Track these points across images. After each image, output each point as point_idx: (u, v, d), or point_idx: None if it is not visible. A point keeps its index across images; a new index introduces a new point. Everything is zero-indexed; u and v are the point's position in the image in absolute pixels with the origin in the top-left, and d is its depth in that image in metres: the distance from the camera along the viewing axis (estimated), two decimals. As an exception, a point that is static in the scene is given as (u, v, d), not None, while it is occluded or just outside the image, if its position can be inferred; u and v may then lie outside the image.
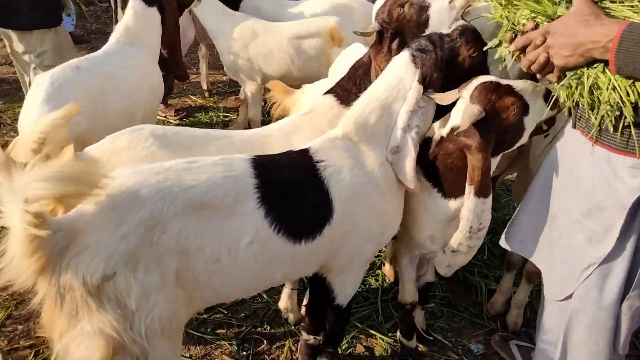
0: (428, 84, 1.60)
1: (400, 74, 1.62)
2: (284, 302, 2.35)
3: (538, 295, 2.43)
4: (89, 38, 6.35)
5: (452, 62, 1.62)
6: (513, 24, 1.39)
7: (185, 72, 3.31)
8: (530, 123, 1.61)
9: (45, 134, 1.67)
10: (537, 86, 1.58)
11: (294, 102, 2.46)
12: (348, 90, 1.89)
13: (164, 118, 4.34)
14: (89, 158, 1.72)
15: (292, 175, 1.54)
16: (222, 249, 1.39)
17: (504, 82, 1.58)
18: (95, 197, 1.24)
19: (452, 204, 1.69)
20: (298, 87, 2.51)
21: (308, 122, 1.89)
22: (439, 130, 1.69)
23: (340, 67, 2.77)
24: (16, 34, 3.13)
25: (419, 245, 1.89)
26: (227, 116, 4.46)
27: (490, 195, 1.57)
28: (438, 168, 1.67)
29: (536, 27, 1.32)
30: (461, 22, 1.65)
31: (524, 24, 1.36)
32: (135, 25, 2.65)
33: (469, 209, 1.56)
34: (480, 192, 1.54)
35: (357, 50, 2.72)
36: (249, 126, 4.00)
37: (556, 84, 1.33)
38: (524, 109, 1.57)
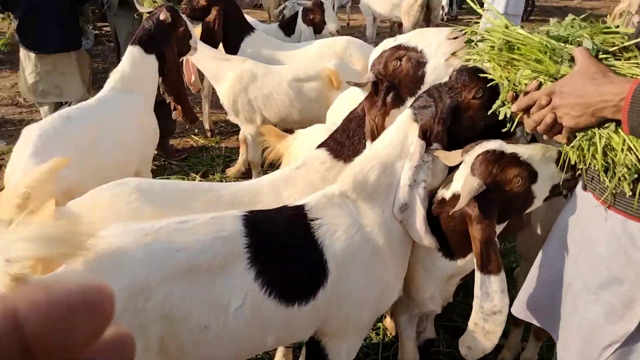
0: (431, 138, 1.52)
1: (402, 131, 1.56)
2: (278, 360, 2.24)
3: (548, 351, 2.29)
4: (95, 78, 6.43)
5: (456, 110, 1.54)
6: (514, 84, 1.34)
7: (194, 115, 3.27)
8: (541, 190, 1.49)
9: (31, 189, 1.62)
10: (547, 150, 1.46)
11: (286, 147, 2.41)
12: (341, 143, 1.83)
13: (165, 159, 4.32)
14: (73, 214, 1.66)
15: (285, 234, 1.47)
16: (210, 315, 1.32)
17: (509, 149, 1.46)
18: (81, 257, 1.19)
19: (454, 264, 1.60)
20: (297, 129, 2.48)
21: (300, 177, 1.83)
22: (442, 190, 1.60)
23: (337, 110, 2.76)
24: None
25: (418, 305, 1.79)
26: (228, 156, 4.43)
27: (500, 274, 1.41)
28: (439, 228, 1.58)
29: (539, 86, 1.26)
30: (457, 63, 1.58)
31: (525, 84, 1.30)
32: (131, 72, 2.61)
33: (476, 285, 1.45)
34: (482, 267, 1.42)
35: (354, 94, 2.70)
36: (248, 168, 3.97)
37: (566, 145, 1.27)
38: (531, 177, 1.45)
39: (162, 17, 2.69)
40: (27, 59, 3.83)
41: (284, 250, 1.42)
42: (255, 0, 12.73)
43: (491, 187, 1.42)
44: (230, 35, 3.64)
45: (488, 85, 1.45)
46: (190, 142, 4.75)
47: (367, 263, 1.50)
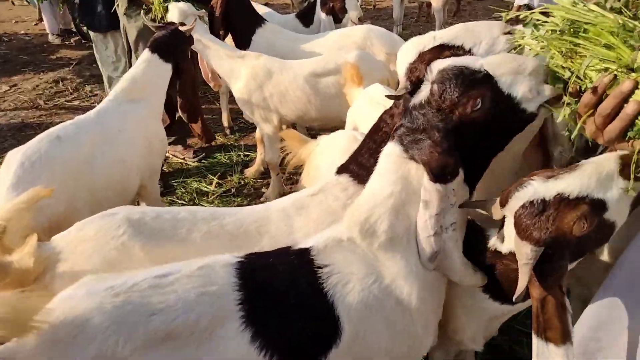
0: (445, 176, 1.20)
1: (399, 174, 1.26)
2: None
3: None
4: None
5: (458, 133, 1.21)
6: (578, 77, 1.09)
7: (211, 134, 3.09)
8: (617, 213, 1.14)
9: (6, 222, 1.44)
10: (602, 169, 1.12)
11: (308, 154, 2.19)
12: (366, 167, 1.55)
13: (182, 160, 4.15)
14: (56, 251, 1.48)
15: (287, 285, 1.22)
16: None
17: (551, 190, 1.10)
18: (37, 328, 1.01)
19: (502, 307, 1.33)
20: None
21: (316, 204, 1.59)
22: (495, 240, 1.29)
23: (358, 111, 2.48)
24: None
25: (456, 344, 1.54)
26: (247, 155, 4.22)
27: (564, 345, 1.07)
28: (490, 272, 1.29)
29: (613, 80, 1.02)
30: (435, 74, 1.23)
31: (591, 78, 1.06)
32: (144, 79, 2.46)
33: (533, 351, 1.13)
34: (539, 331, 1.10)
35: (377, 92, 2.43)
36: (266, 170, 3.75)
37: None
38: (597, 210, 1.10)
39: (182, 27, 2.66)
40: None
41: (286, 305, 1.19)
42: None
43: (550, 246, 1.10)
44: (239, 28, 3.40)
45: (483, 82, 1.17)
46: (209, 140, 4.56)
47: (389, 317, 1.24)
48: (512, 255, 1.20)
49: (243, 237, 1.54)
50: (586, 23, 1.09)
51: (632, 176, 1.07)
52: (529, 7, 3.29)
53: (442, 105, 1.20)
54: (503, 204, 1.18)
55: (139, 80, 2.44)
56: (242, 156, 4.22)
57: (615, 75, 1.02)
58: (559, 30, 1.15)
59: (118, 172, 2.20)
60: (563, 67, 1.15)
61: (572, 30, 1.11)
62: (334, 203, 1.58)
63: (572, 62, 1.12)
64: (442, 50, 1.39)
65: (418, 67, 1.40)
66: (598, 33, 1.05)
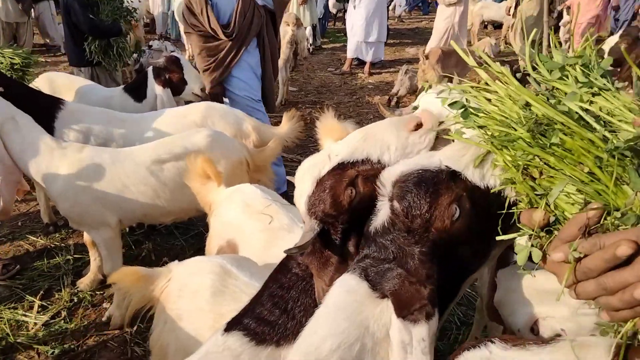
0: (424, 312, 0.89)
1: (360, 320, 0.90)
2: None
3: None
4: None
5: (440, 253, 0.93)
6: (547, 204, 0.82)
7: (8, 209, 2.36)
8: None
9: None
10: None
11: (159, 293, 1.61)
12: (269, 321, 1.12)
13: (-14, 279, 3.16)
14: None
15: None
16: None
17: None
18: None
19: None
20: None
21: None
22: None
23: (230, 221, 1.97)
24: None
25: None
26: (80, 258, 3.39)
27: None
28: None
29: (603, 218, 0.74)
30: (389, 187, 0.96)
31: (568, 213, 0.79)
32: None
33: None
34: None
35: (252, 194, 1.97)
36: (104, 280, 3.00)
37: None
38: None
39: None
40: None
41: None
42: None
43: None
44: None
45: (451, 182, 0.92)
46: (24, 244, 3.60)
47: None
48: None
49: None
50: (549, 122, 0.82)
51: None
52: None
53: (411, 226, 0.92)
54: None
55: None
56: (71, 261, 3.37)
57: (607, 212, 0.74)
58: (500, 133, 0.88)
59: None
60: (518, 184, 0.86)
61: (528, 125, 0.83)
62: None
63: (534, 183, 0.84)
64: (344, 171, 1.03)
65: (321, 197, 1.02)
66: (573, 148, 0.79)
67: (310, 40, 10.71)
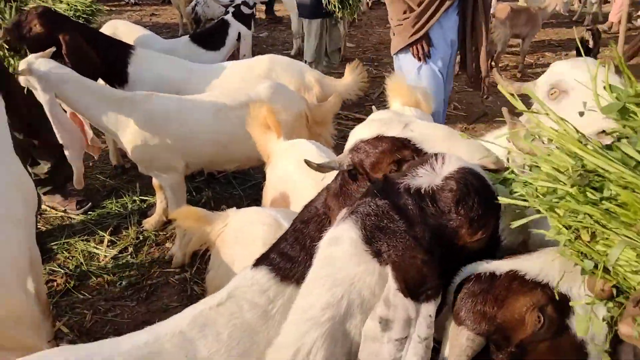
0: (422, 292, 0.87)
1: (347, 275, 0.90)
2: None
3: None
4: None
5: (455, 250, 0.92)
6: (606, 268, 0.74)
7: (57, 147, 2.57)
8: (581, 325, 0.85)
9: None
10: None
11: (217, 233, 1.71)
12: (291, 258, 1.19)
13: (63, 213, 3.42)
14: None
15: None
16: None
17: (507, 264, 0.91)
18: None
19: None
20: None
21: (226, 318, 1.16)
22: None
23: (283, 175, 2.03)
24: None
25: None
26: (144, 200, 3.61)
27: None
28: None
29: None
30: (453, 168, 0.95)
31: (624, 277, 0.73)
32: None
33: None
34: None
35: (308, 149, 2.01)
36: (167, 221, 3.19)
37: None
38: (558, 309, 0.85)
39: None
40: None
41: None
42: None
43: (496, 341, 0.86)
44: (107, 64, 2.80)
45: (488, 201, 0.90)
46: (95, 184, 3.85)
47: None
48: None
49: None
50: (602, 177, 0.74)
51: None
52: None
53: (452, 212, 0.90)
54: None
55: None
56: (137, 202, 3.59)
57: None
58: (564, 191, 0.79)
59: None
60: (576, 247, 0.80)
61: (573, 178, 0.76)
62: (249, 314, 1.16)
63: (582, 242, 0.77)
64: (403, 146, 1.05)
65: (368, 151, 1.05)
66: (628, 203, 0.69)
67: (370, -6, 10.42)
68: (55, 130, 2.49)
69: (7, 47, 2.87)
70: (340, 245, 0.91)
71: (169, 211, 2.88)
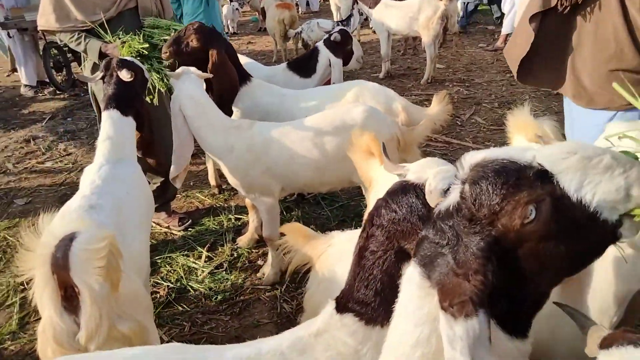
0: (472, 308, 0.82)
1: (427, 311, 0.91)
2: None
3: None
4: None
5: (502, 252, 0.87)
6: None
7: (167, 166, 2.80)
8: None
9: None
10: None
11: (318, 254, 1.76)
12: (366, 303, 1.21)
13: (166, 229, 3.71)
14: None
15: None
16: None
17: None
18: None
19: None
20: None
21: (323, 348, 1.22)
22: None
23: None
24: None
25: None
26: (239, 218, 3.81)
27: None
28: None
29: None
30: (467, 164, 0.92)
31: None
32: (118, 138, 2.37)
33: None
34: None
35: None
36: (259, 240, 3.33)
37: None
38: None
39: (124, 76, 2.47)
40: None
41: None
42: (259, 24, 12.20)
43: None
44: (224, 87, 2.99)
45: (537, 182, 0.84)
46: (195, 202, 4.14)
47: None
48: None
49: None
50: None
51: None
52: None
53: (476, 214, 0.87)
54: (602, 347, 0.91)
55: (115, 140, 2.35)
56: (232, 220, 3.80)
57: None
58: None
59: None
60: None
61: None
62: (343, 349, 1.21)
63: None
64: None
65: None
66: None
67: (461, 14, 10.24)
68: (173, 136, 2.76)
69: (167, 69, 3.12)
70: (412, 284, 0.93)
71: (264, 232, 3.00)
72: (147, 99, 3.08)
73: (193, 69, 2.82)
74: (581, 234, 0.87)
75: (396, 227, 1.15)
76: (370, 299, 1.19)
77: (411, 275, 0.94)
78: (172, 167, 2.79)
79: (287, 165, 2.73)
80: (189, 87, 2.71)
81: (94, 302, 1.37)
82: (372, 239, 1.20)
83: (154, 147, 2.67)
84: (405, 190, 1.19)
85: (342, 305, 1.24)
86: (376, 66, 8.12)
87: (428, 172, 1.14)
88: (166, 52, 3.11)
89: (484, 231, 0.86)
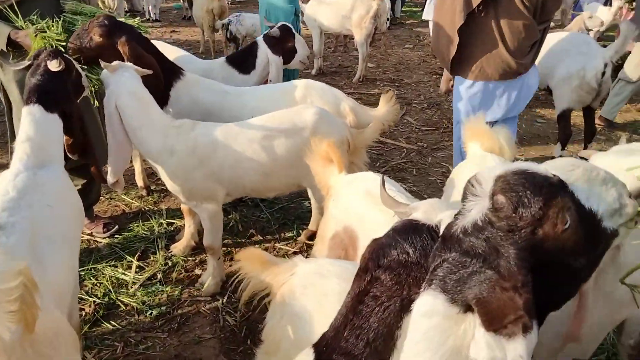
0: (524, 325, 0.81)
1: (450, 346, 0.85)
2: None
3: None
4: None
5: (539, 260, 0.85)
6: None
7: (102, 175, 2.51)
8: None
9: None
10: None
11: (278, 284, 1.58)
12: (354, 355, 1.06)
13: (89, 236, 3.35)
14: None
15: None
16: None
17: None
18: None
19: None
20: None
21: None
22: None
23: (349, 209, 1.89)
24: None
25: None
26: (172, 223, 3.53)
27: None
28: None
29: None
30: (491, 182, 0.90)
31: None
32: (39, 139, 2.01)
33: None
34: None
35: (373, 183, 1.90)
36: (198, 244, 3.11)
37: None
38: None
39: (52, 66, 2.10)
40: None
41: None
42: (184, 12, 11.61)
43: None
44: (151, 83, 2.68)
45: (561, 190, 0.89)
46: (120, 205, 3.78)
47: None
48: None
49: None
50: None
51: None
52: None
53: (518, 222, 0.84)
54: None
55: (35, 141, 2.00)
56: (164, 225, 3.51)
57: None
58: None
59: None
60: None
61: None
62: None
63: None
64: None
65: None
66: None
67: (388, 14, 10.43)
68: (108, 136, 2.49)
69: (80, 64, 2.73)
70: (435, 317, 0.85)
71: (206, 241, 2.78)
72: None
73: (129, 64, 2.53)
74: (594, 241, 0.92)
75: (408, 272, 1.03)
76: (358, 351, 1.05)
77: (431, 308, 0.86)
78: (109, 172, 2.50)
79: (233, 170, 2.53)
80: (127, 82, 2.43)
81: (3, 353, 1.11)
82: (377, 282, 1.06)
83: (91, 150, 2.34)
84: (419, 230, 1.08)
85: (325, 356, 1.10)
86: (309, 62, 8.02)
87: (439, 214, 1.05)
88: (71, 47, 2.75)
89: (524, 240, 0.84)
